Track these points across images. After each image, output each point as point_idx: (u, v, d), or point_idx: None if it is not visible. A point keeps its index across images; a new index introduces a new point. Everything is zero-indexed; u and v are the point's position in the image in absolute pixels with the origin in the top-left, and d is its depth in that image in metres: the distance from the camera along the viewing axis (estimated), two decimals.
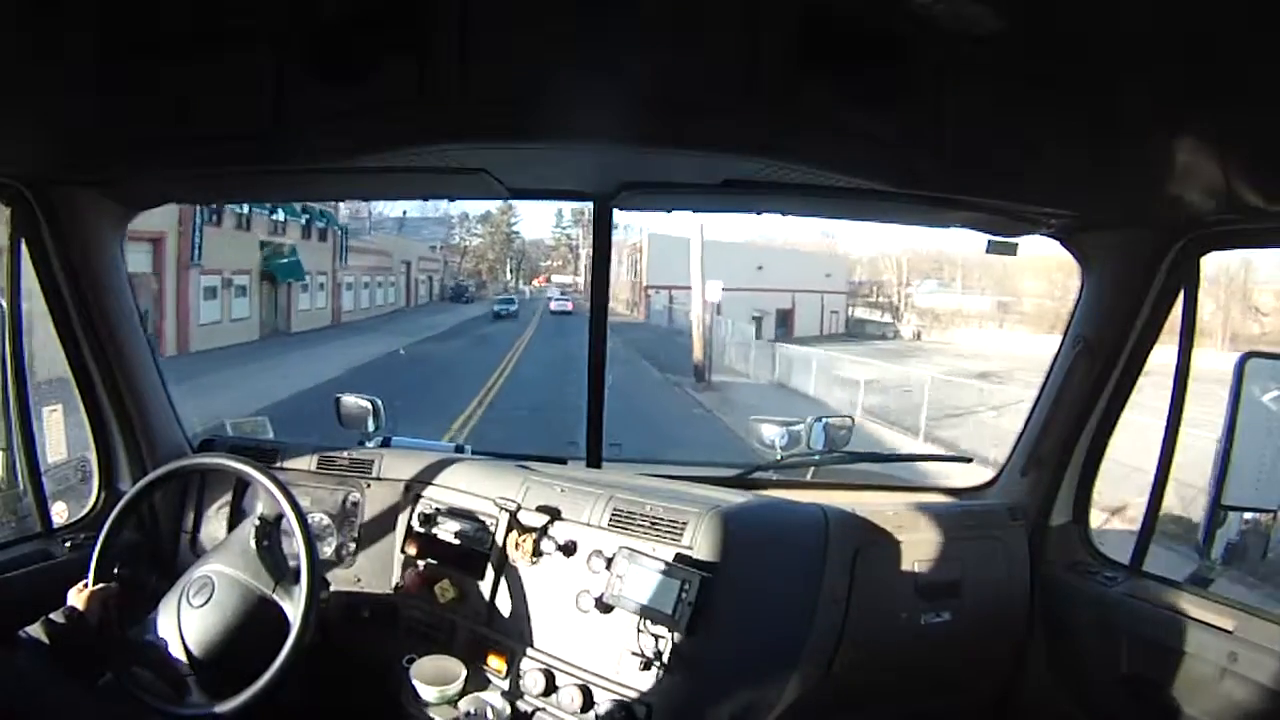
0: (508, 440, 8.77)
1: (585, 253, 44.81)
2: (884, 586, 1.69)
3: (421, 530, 1.84)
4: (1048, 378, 1.84)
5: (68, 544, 1.73)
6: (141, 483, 1.64)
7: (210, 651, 1.47)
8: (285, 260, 18.19)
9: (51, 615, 1.38)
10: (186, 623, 1.48)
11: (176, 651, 1.46)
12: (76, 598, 1.44)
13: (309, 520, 1.63)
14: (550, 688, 1.53)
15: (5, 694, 1.11)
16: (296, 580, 1.50)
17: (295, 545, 1.53)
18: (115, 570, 1.55)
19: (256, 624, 1.50)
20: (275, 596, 1.51)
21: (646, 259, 29.16)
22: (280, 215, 17.80)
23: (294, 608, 1.48)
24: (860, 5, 0.96)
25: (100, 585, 1.48)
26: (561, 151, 1.51)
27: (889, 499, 1.96)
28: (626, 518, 1.59)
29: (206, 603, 1.50)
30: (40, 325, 1.74)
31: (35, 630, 1.33)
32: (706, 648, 1.44)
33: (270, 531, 1.57)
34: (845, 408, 12.18)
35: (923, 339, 28.20)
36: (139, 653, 1.47)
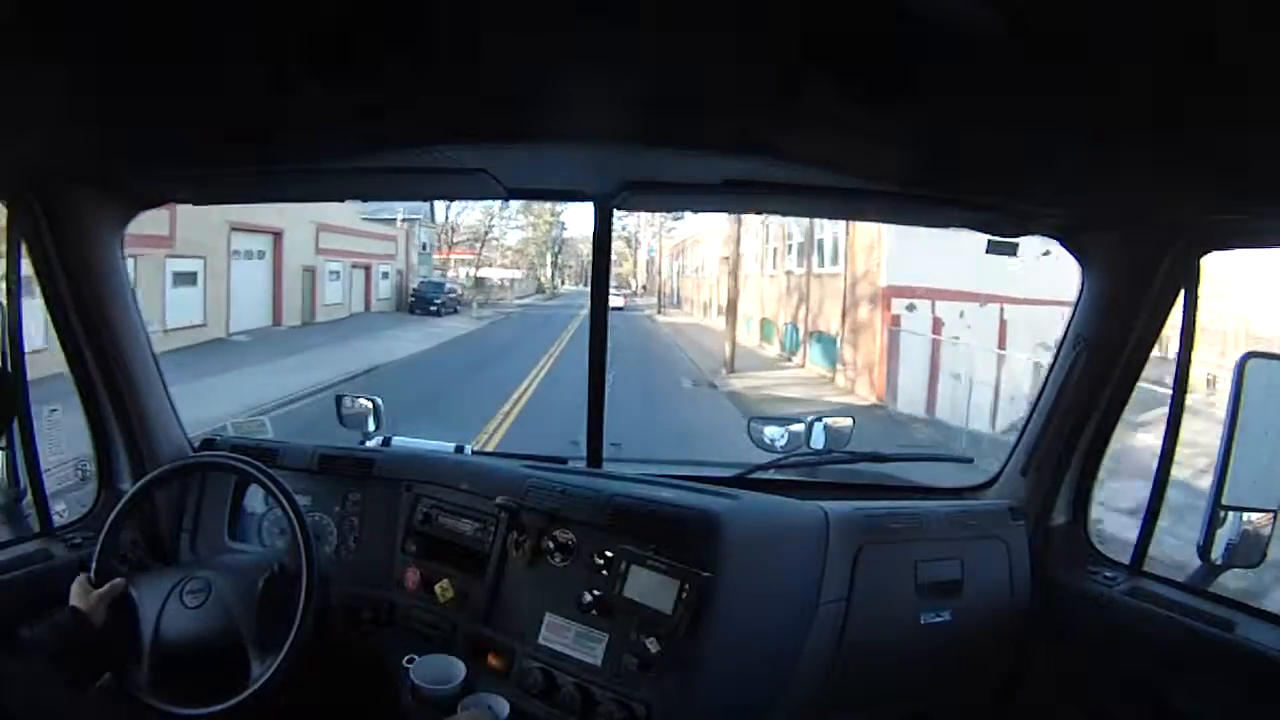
0: None
1: (648, 244, 37.60)
2: (884, 586, 1.69)
3: (421, 530, 1.84)
4: (1048, 378, 1.84)
5: (67, 544, 1.73)
6: (142, 482, 1.64)
7: (171, 650, 1.48)
8: None
9: (56, 619, 1.37)
10: (167, 613, 1.49)
11: (145, 633, 1.48)
12: (80, 597, 1.44)
13: (308, 520, 1.64)
14: (550, 688, 1.53)
15: (5, 697, 1.11)
16: (276, 651, 1.47)
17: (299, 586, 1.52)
18: (119, 564, 1.55)
19: (221, 660, 1.50)
20: (249, 651, 1.49)
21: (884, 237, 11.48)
22: None
23: (260, 671, 1.47)
24: (860, 5, 0.95)
25: (106, 586, 1.47)
26: (561, 151, 1.51)
27: (889, 499, 1.96)
28: (627, 518, 1.59)
29: (194, 608, 1.50)
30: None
31: (39, 632, 1.33)
32: (706, 648, 1.44)
33: (283, 584, 1.55)
34: None
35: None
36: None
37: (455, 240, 36.09)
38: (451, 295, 25.98)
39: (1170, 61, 0.85)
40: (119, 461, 1.89)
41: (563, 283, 44.42)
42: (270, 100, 1.15)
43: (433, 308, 23.75)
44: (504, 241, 40.57)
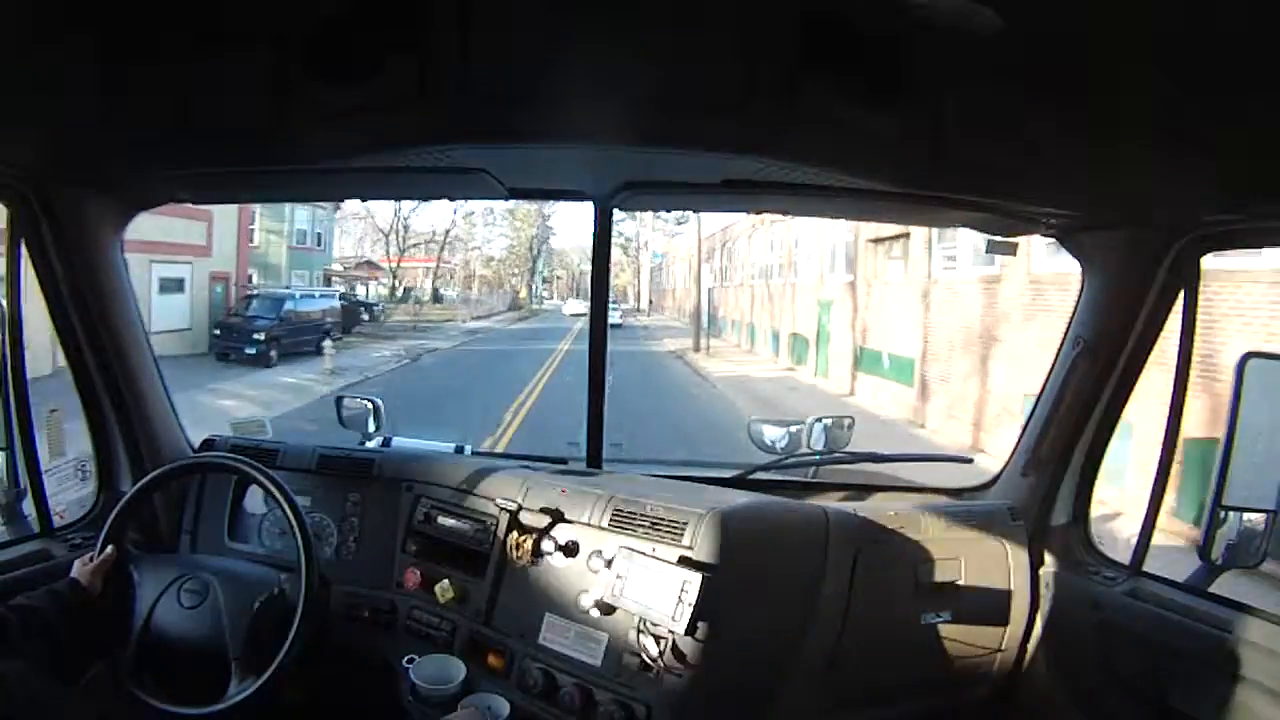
0: None
1: (651, 251, 30.40)
2: (884, 586, 1.69)
3: (421, 530, 1.84)
4: (1048, 378, 1.84)
5: (67, 544, 1.73)
6: (142, 483, 1.64)
7: (158, 642, 1.50)
8: None
9: (53, 586, 1.42)
10: (162, 605, 1.51)
11: (138, 616, 1.50)
12: (80, 571, 1.48)
13: (308, 521, 1.64)
14: (550, 688, 1.53)
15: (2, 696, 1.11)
16: (257, 672, 1.48)
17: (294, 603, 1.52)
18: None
19: (204, 665, 1.51)
20: (232, 666, 1.50)
21: None
22: None
23: (236, 689, 1.48)
24: (860, 5, 0.96)
25: (99, 557, 1.51)
26: (561, 151, 1.51)
27: (889, 499, 1.96)
28: (627, 518, 1.59)
29: (189, 608, 1.52)
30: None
31: (36, 599, 1.37)
32: (706, 648, 1.44)
33: (278, 609, 1.56)
34: None
35: None
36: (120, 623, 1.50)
37: (409, 243, 28.65)
38: (298, 323, 14.48)
39: (1170, 61, 0.85)
40: (119, 462, 1.89)
41: (550, 296, 37.04)
42: (270, 100, 1.15)
43: (252, 350, 13.39)
44: (487, 250, 33.33)
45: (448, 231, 29.68)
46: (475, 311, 28.32)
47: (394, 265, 27.77)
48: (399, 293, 27.45)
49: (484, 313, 29.15)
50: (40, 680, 1.18)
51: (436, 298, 29.43)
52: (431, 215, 29.64)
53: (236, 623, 1.52)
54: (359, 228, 28.17)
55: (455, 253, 32.09)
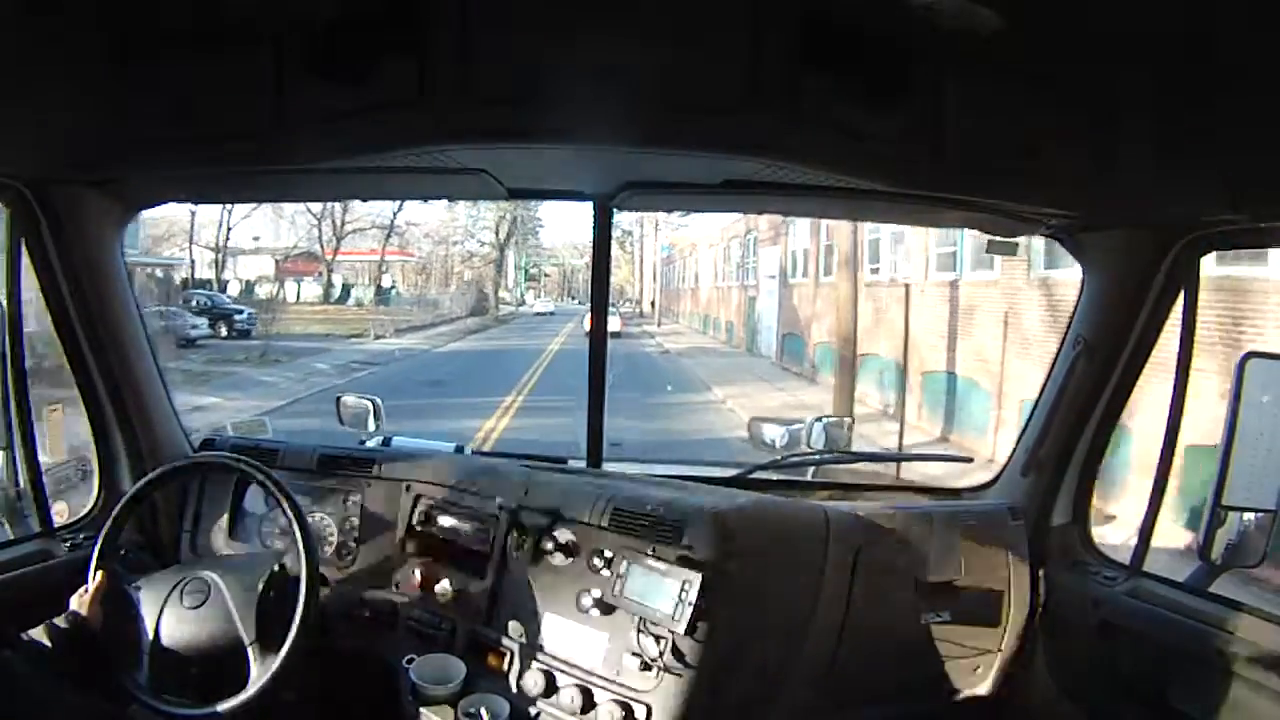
0: None
1: (659, 242, 25.64)
2: (884, 586, 1.69)
3: (421, 530, 1.84)
4: (1048, 378, 1.84)
5: (68, 544, 1.73)
6: (142, 482, 1.64)
7: (171, 651, 1.48)
8: None
9: (55, 620, 1.38)
10: (166, 614, 1.50)
11: (145, 634, 1.48)
12: (79, 602, 1.44)
13: (308, 520, 1.64)
14: (550, 688, 1.53)
15: (2, 696, 1.11)
16: (276, 650, 1.48)
17: (299, 590, 1.52)
18: (118, 564, 1.55)
19: (221, 661, 1.50)
20: (249, 651, 1.49)
21: None
22: None
23: (260, 672, 1.47)
24: (860, 5, 0.96)
25: (94, 585, 1.48)
26: (561, 151, 1.51)
27: (890, 498, 1.96)
28: (627, 518, 1.59)
29: (193, 609, 1.51)
30: None
31: (38, 633, 1.34)
32: (706, 648, 1.44)
33: (283, 584, 1.56)
34: None
35: None
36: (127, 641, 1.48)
37: (346, 230, 23.26)
38: None
39: (1170, 61, 0.85)
40: (119, 461, 1.88)
41: (539, 296, 30.60)
42: (270, 100, 1.15)
43: None
44: (468, 245, 27.37)
45: (395, 214, 23.27)
46: (417, 319, 20.91)
47: (330, 258, 22.94)
48: (335, 291, 22.36)
49: (429, 320, 21.76)
50: (43, 678, 1.17)
51: (381, 297, 23.92)
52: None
53: (245, 609, 1.51)
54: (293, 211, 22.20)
55: (439, 245, 26.48)
